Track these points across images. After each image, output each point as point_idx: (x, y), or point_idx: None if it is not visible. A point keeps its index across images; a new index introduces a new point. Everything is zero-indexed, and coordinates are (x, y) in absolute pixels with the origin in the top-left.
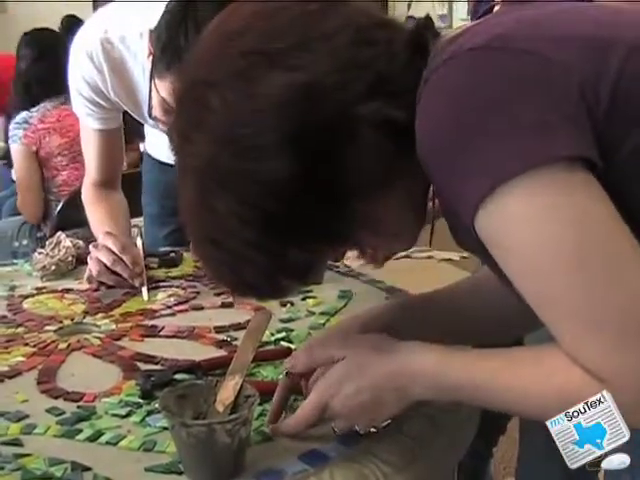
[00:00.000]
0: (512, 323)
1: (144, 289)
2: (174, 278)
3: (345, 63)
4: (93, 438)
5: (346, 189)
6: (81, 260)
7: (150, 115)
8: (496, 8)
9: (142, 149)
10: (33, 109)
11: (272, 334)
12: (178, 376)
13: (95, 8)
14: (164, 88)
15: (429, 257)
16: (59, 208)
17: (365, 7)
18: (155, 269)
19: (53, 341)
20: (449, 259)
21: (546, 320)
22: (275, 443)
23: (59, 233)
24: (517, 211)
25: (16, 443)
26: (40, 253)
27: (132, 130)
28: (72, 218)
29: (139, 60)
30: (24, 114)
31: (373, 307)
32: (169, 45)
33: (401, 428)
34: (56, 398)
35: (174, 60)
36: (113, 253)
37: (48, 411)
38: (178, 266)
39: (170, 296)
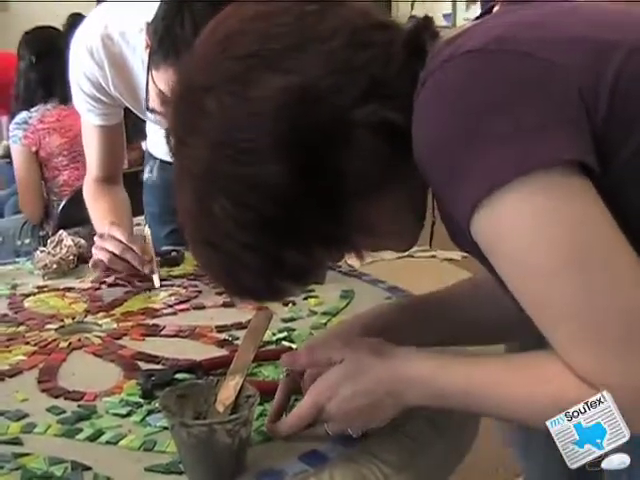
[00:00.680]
0: (513, 324)
1: (155, 276)
2: (175, 277)
3: (341, 66)
4: (93, 437)
5: (343, 192)
6: (83, 259)
7: (148, 108)
8: (496, 8)
9: (144, 147)
10: (33, 109)
11: (274, 334)
12: (179, 375)
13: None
14: (161, 79)
15: (432, 257)
16: (61, 206)
17: (364, 8)
18: None
19: (54, 340)
20: (452, 259)
21: (541, 325)
22: (275, 443)
23: (61, 232)
24: (513, 214)
25: (16, 442)
26: (42, 251)
27: (134, 129)
28: (74, 216)
29: (138, 54)
30: (24, 114)
31: (374, 307)
32: (166, 36)
33: (401, 429)
34: (56, 397)
35: (171, 51)
36: (121, 242)
37: (48, 410)
38: (180, 265)
39: (171, 295)
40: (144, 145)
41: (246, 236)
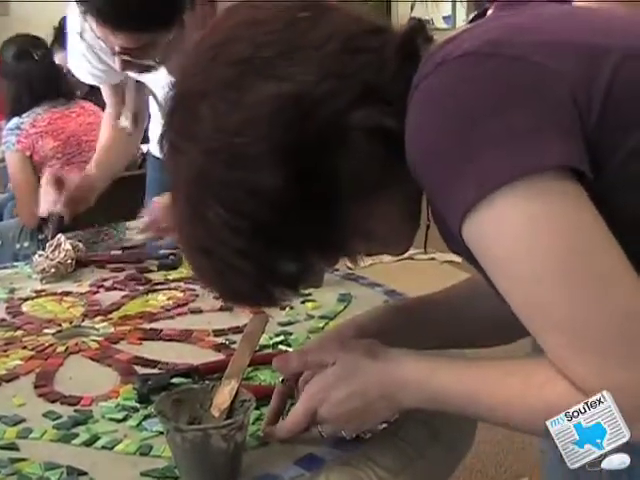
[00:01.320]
0: (510, 326)
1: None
2: (173, 281)
3: (335, 71)
4: (89, 442)
5: (338, 196)
6: (81, 263)
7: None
8: (489, 12)
9: (145, 150)
10: (24, 115)
11: (271, 337)
12: (175, 380)
13: None
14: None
15: (431, 259)
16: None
17: (358, 13)
18: (154, 272)
19: (51, 344)
20: (452, 261)
21: (532, 330)
22: (271, 448)
23: (59, 235)
24: (504, 219)
25: (12, 447)
26: (40, 255)
27: None
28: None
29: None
30: (15, 120)
31: (370, 310)
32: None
33: (397, 432)
34: (53, 402)
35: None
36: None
37: (45, 415)
38: (177, 269)
39: (169, 299)
40: (145, 148)
41: (240, 242)
